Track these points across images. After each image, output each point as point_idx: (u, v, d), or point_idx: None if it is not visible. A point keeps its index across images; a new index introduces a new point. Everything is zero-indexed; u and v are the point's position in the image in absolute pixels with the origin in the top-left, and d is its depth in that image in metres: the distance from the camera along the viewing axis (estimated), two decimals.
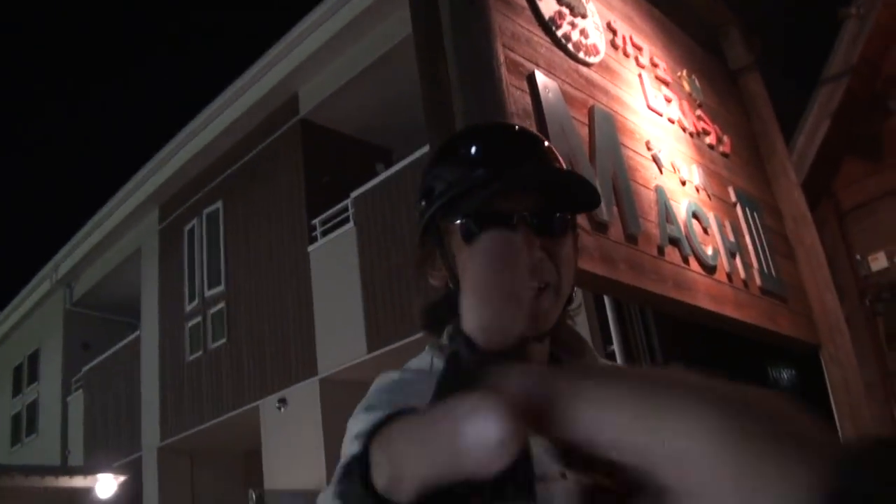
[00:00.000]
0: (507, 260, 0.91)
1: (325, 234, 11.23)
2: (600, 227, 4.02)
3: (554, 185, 1.23)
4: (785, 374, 8.83)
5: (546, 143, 1.30)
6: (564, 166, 1.32)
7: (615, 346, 6.59)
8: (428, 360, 1.28)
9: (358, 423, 1.19)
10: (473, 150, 1.23)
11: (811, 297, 6.13)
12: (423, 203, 1.28)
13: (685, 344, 6.84)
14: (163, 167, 14.21)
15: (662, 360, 6.27)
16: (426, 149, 9.05)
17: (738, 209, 5.56)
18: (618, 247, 4.11)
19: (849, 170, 7.69)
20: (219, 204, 13.54)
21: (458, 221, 1.21)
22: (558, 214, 1.22)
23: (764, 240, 5.69)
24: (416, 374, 1.25)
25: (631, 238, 4.22)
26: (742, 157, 5.95)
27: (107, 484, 13.34)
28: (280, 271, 11.78)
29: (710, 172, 5.27)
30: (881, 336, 7.39)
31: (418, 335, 6.29)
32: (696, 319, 4.84)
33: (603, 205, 3.99)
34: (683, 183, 4.92)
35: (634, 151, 4.46)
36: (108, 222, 16.03)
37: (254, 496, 5.63)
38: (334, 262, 10.88)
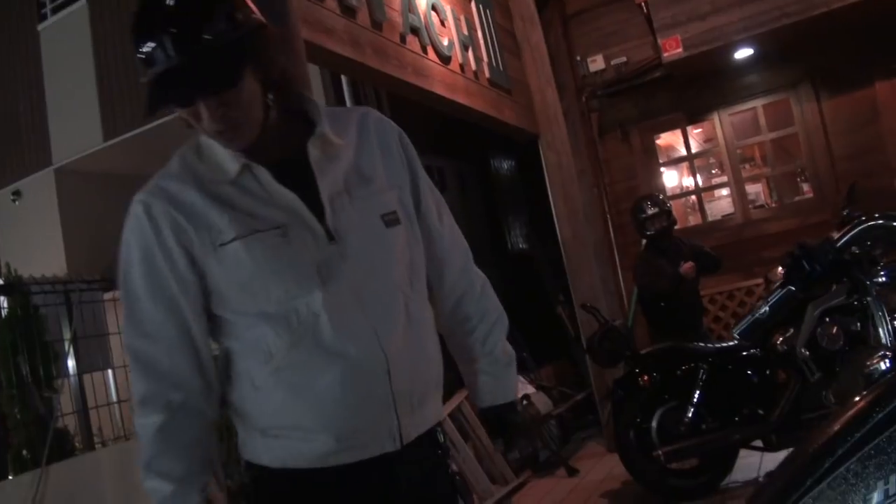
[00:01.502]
0: (200, 126, 1.57)
1: (55, 10, 10.46)
2: (349, 12, 4.22)
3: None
4: (505, 163, 9.61)
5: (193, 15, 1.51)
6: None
7: None
8: (178, 162, 1.69)
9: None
10: (143, 55, 1.51)
11: (533, 91, 6.72)
12: None
13: (418, 131, 7.22)
14: None
15: None
16: None
17: (473, 5, 5.90)
18: (364, 32, 4.34)
19: None
20: None
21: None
22: (220, 81, 1.51)
23: (494, 36, 6.11)
24: (169, 176, 1.65)
25: (376, 24, 4.47)
26: None
27: None
28: (8, 52, 10.88)
29: None
30: (594, 130, 8.18)
31: (157, 122, 6.27)
32: (431, 104, 5.24)
33: None
34: None
35: None
36: None
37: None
38: (66, 41, 10.21)
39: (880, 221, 4.30)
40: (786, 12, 6.52)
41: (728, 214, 8.07)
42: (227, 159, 1.62)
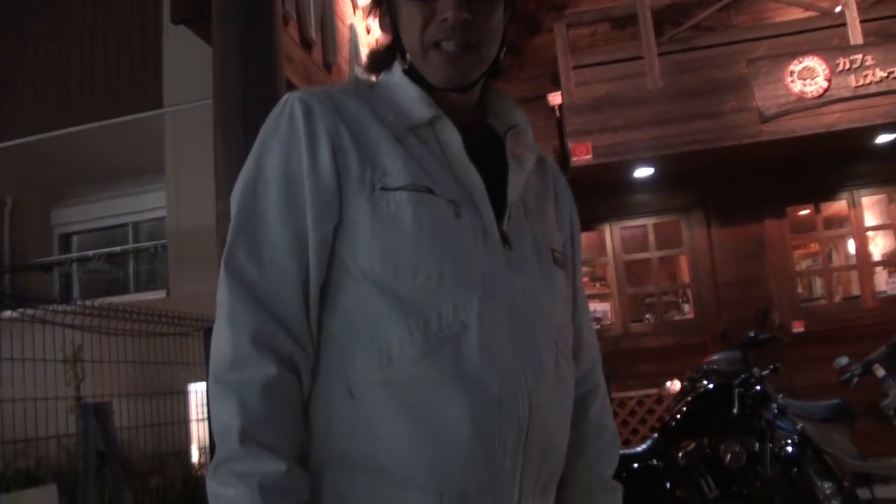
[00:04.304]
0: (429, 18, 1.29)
1: None
2: (307, 45, 4.14)
3: None
4: None
5: None
6: None
7: None
8: (352, 85, 1.40)
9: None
10: None
11: None
12: None
13: None
14: None
15: None
16: None
17: None
18: (316, 70, 4.25)
19: None
20: None
21: None
22: None
23: None
24: (341, 91, 1.35)
25: (327, 66, 4.40)
26: None
27: None
28: None
29: None
30: None
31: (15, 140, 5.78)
32: None
33: (312, 20, 4.08)
34: (368, 30, 5.08)
35: None
36: None
37: None
38: None
39: None
40: (697, 138, 6.80)
41: (607, 324, 8.17)
42: (417, 102, 1.30)
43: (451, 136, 1.28)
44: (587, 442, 1.46)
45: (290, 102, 1.28)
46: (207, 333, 5.32)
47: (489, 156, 1.32)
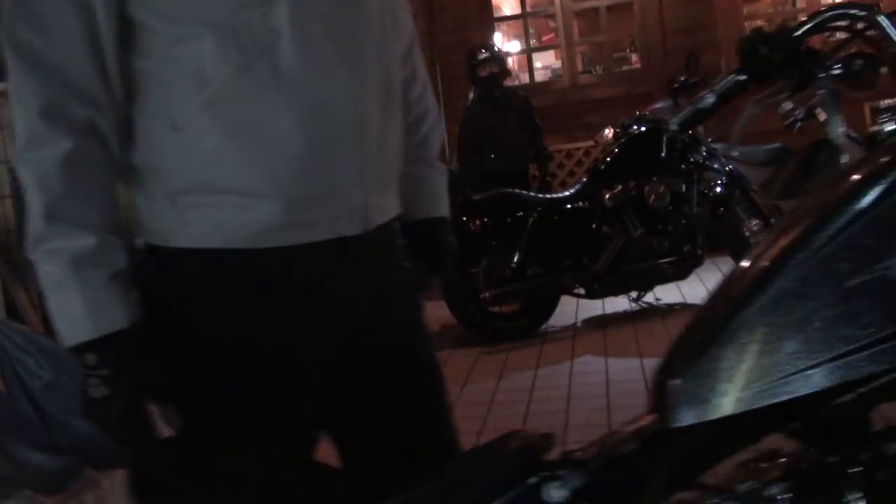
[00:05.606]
0: None
1: None
2: None
3: None
4: None
5: None
6: None
7: None
8: None
9: None
10: None
11: None
12: None
13: None
14: None
15: None
16: None
17: None
18: None
19: None
20: None
21: None
22: None
23: None
24: None
25: None
26: None
27: None
28: None
29: None
30: None
31: None
32: None
33: None
34: None
35: None
36: None
37: None
38: None
39: (840, 11, 4.52)
40: None
41: (555, 77, 8.09)
42: None
43: None
44: (416, 127, 1.48)
45: None
46: None
47: None
